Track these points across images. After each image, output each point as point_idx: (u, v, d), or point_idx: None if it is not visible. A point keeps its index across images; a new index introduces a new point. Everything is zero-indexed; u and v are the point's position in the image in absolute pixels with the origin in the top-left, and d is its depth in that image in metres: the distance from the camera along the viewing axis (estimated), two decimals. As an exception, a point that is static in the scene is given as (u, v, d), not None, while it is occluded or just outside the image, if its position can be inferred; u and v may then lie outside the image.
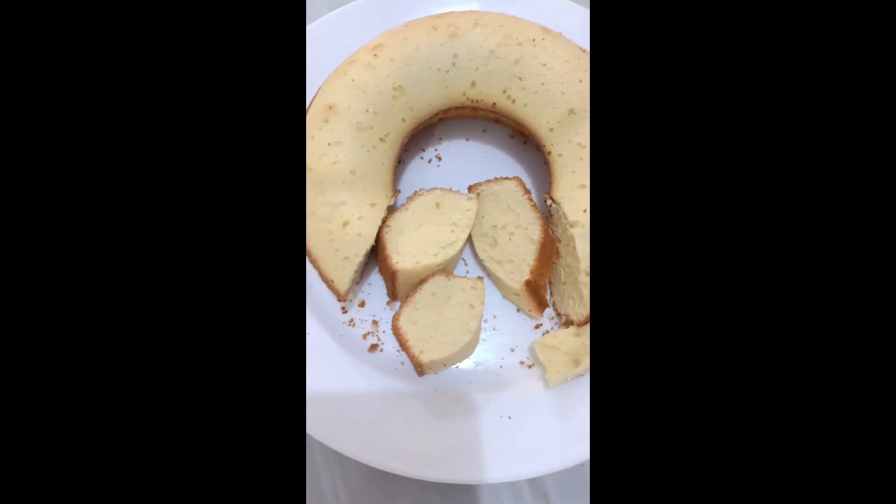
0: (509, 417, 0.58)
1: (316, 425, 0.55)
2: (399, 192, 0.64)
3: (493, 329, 0.64)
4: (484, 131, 0.72)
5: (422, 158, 0.71)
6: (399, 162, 0.69)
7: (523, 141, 0.71)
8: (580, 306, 0.57)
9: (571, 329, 0.58)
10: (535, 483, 0.61)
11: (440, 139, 0.71)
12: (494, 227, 0.63)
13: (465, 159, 0.70)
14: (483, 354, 0.63)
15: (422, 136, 0.71)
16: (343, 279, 0.58)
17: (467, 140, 0.71)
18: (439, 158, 0.71)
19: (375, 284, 0.65)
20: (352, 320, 0.63)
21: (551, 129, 0.60)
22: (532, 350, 0.61)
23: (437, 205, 0.62)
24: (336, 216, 0.57)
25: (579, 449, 0.55)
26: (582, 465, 0.61)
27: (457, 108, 0.64)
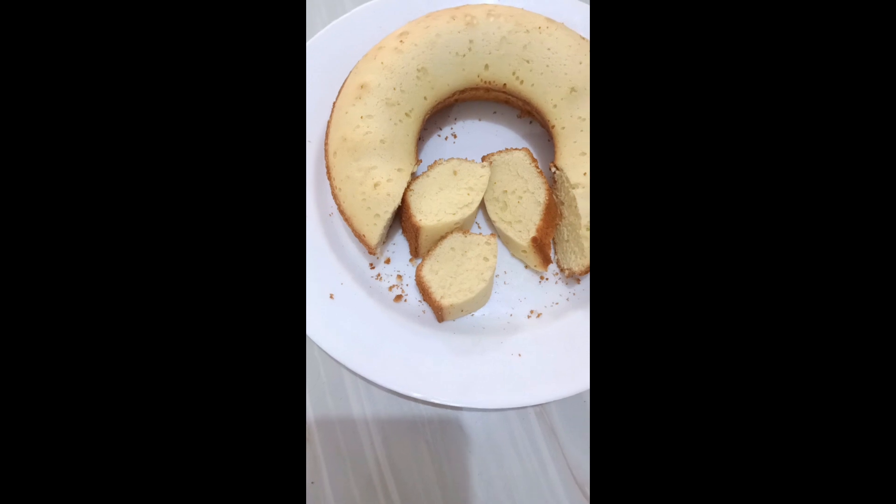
0: (519, 355, 0.66)
1: (351, 359, 0.64)
2: (421, 161, 0.73)
3: (504, 283, 0.72)
4: (494, 112, 0.80)
5: (439, 136, 0.79)
6: (419, 139, 0.77)
7: (529, 120, 0.79)
8: (581, 258, 0.66)
9: None
10: (542, 414, 0.69)
11: (455, 119, 0.80)
12: (505, 192, 0.71)
13: (477, 136, 0.79)
14: (495, 306, 0.71)
15: (439, 116, 0.80)
16: (374, 234, 0.66)
17: (479, 120, 0.80)
18: (455, 136, 0.79)
19: (399, 244, 0.74)
20: (379, 275, 0.72)
21: (555, 106, 0.69)
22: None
23: (455, 172, 0.70)
24: (368, 179, 0.65)
25: (579, 381, 0.64)
26: (582, 397, 0.69)
27: (472, 88, 0.73)
